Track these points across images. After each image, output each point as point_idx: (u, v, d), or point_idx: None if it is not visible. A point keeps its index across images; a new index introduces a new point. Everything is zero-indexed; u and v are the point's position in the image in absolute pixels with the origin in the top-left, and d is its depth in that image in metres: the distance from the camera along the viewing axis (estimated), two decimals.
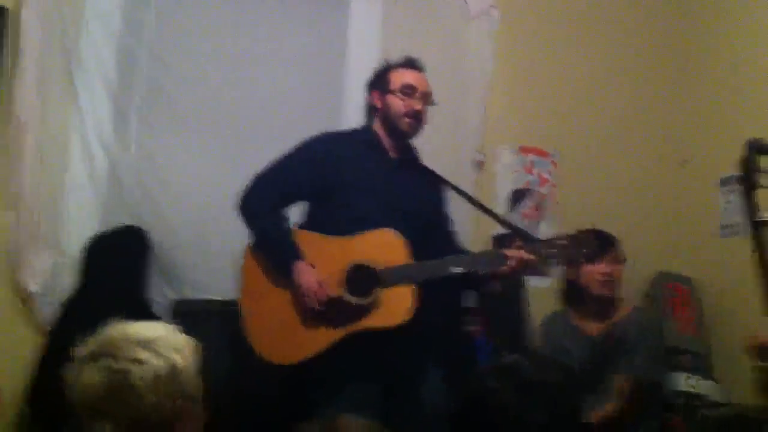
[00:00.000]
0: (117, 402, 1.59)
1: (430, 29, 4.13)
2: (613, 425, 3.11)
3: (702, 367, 3.92)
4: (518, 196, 4.24)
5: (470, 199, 3.16)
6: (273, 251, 2.80)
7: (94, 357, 1.63)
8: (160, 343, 1.66)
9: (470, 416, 1.51)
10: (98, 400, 1.60)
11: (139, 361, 1.61)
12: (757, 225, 2.29)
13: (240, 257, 2.88)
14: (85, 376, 1.62)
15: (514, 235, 2.93)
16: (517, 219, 4.00)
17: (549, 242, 2.83)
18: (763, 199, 2.30)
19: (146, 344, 1.64)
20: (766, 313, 2.26)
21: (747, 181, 2.29)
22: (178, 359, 1.65)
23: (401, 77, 2.93)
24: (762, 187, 2.28)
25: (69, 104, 3.58)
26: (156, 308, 3.55)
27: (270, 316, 2.77)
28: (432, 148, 3.46)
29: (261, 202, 2.83)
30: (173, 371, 1.63)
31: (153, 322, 1.76)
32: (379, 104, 2.95)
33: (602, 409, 3.13)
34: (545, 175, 4.30)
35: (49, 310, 3.37)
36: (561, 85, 4.37)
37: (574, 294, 3.39)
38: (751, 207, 2.30)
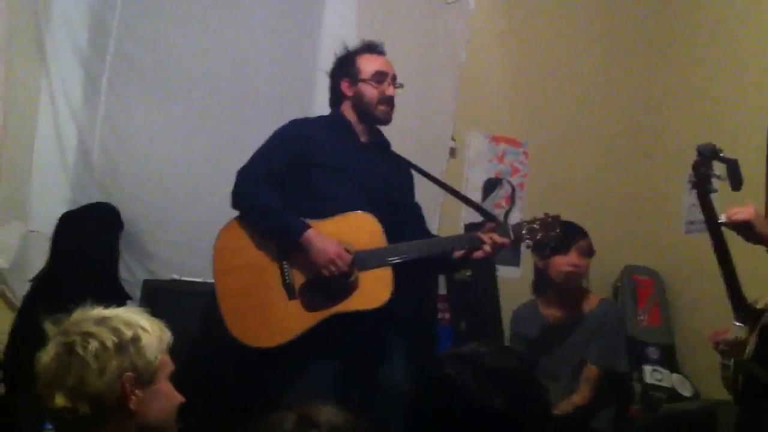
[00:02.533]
0: (64, 371, 1.62)
1: (404, 14, 4.13)
2: (576, 413, 3.17)
3: (668, 359, 3.98)
4: (491, 186, 4.27)
5: (439, 183, 3.18)
6: (280, 225, 2.74)
7: (54, 336, 1.68)
8: (114, 320, 1.69)
9: (427, 402, 1.53)
10: (49, 373, 1.64)
11: (89, 334, 1.65)
12: (713, 229, 2.32)
13: (213, 235, 2.82)
14: (43, 353, 1.67)
15: (486, 222, 2.96)
16: (490, 209, 4.03)
17: (519, 225, 2.87)
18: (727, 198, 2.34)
19: (100, 321, 1.68)
20: (736, 318, 2.31)
21: (700, 187, 2.33)
22: (129, 333, 1.67)
23: (371, 64, 2.93)
24: (715, 191, 2.32)
25: (38, 73, 3.53)
26: (125, 287, 3.53)
27: (248, 297, 2.74)
28: (403, 133, 3.47)
29: (255, 186, 2.80)
30: (121, 344, 1.65)
31: (121, 308, 1.78)
32: (350, 93, 2.95)
33: (569, 397, 3.19)
34: (516, 165, 4.33)
35: (19, 287, 3.34)
36: (533, 76, 4.39)
37: (542, 284, 3.43)
38: (707, 211, 2.33)
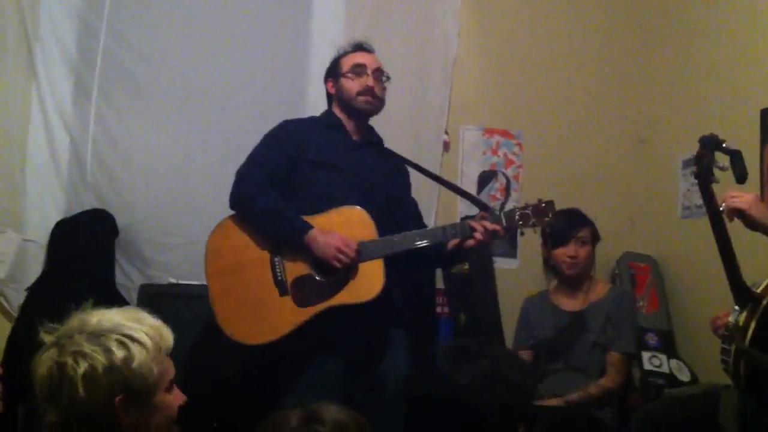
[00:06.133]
0: (56, 389, 1.61)
1: (392, 10, 4.12)
2: (604, 399, 3.22)
3: (666, 346, 3.99)
4: (486, 179, 4.27)
5: (432, 176, 3.20)
6: (282, 224, 2.75)
7: (48, 347, 1.66)
8: (110, 336, 1.65)
9: (424, 395, 1.54)
10: (44, 389, 1.63)
11: (80, 354, 1.61)
12: (715, 218, 2.32)
13: (205, 238, 2.84)
14: (38, 365, 1.65)
15: (479, 212, 2.97)
16: (486, 201, 4.03)
17: (512, 211, 2.87)
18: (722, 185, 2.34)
19: (96, 336, 1.64)
20: (736, 303, 2.30)
21: (702, 177, 2.32)
22: (121, 354, 1.63)
23: (350, 60, 2.98)
24: (716, 182, 2.31)
25: (28, 80, 3.53)
26: (122, 292, 3.53)
27: (240, 295, 2.76)
28: (397, 128, 3.47)
29: (254, 186, 2.80)
30: (112, 367, 1.62)
31: (122, 310, 1.75)
32: (333, 90, 3.00)
33: (596, 383, 3.22)
34: (511, 157, 4.33)
35: (15, 297, 3.33)
36: (525, 66, 4.38)
37: (550, 274, 3.47)
38: (708, 201, 2.33)
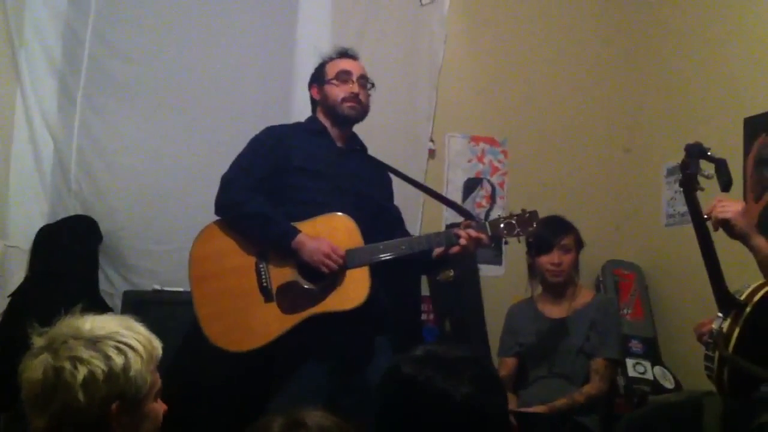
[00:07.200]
0: (50, 398, 1.58)
1: (379, 17, 4.12)
2: (589, 405, 3.22)
3: (651, 353, 4.01)
4: (471, 186, 4.28)
5: (415, 184, 3.19)
6: (271, 230, 2.74)
7: (40, 351, 1.62)
8: (107, 342, 1.63)
9: (394, 404, 1.54)
10: (35, 395, 1.60)
11: (79, 360, 1.59)
12: (700, 227, 2.33)
13: (189, 244, 2.82)
14: (28, 369, 1.61)
15: (464, 220, 2.96)
16: (470, 208, 4.03)
17: (497, 220, 2.87)
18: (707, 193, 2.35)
19: (92, 342, 1.62)
20: (719, 310, 2.31)
21: (687, 185, 2.33)
22: (120, 361, 1.62)
23: (335, 66, 2.98)
24: (701, 189, 2.32)
25: (12, 86, 3.51)
26: (106, 299, 3.50)
27: (225, 302, 2.74)
28: (382, 135, 3.46)
29: (240, 192, 2.79)
30: (111, 373, 1.60)
31: (112, 317, 1.73)
32: (318, 96, 2.99)
33: (579, 390, 3.23)
34: (496, 164, 4.34)
35: None
36: (511, 74, 4.40)
37: (535, 281, 3.48)
38: (693, 209, 2.33)
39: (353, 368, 2.81)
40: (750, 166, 3.52)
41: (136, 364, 1.64)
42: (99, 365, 1.59)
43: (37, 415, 1.60)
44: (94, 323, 1.67)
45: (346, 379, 2.79)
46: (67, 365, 1.58)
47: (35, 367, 1.60)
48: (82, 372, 1.58)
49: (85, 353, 1.60)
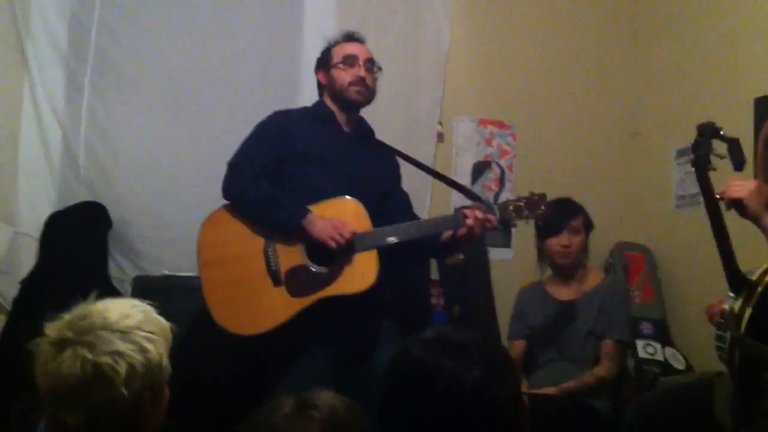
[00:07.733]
0: (88, 393, 1.55)
1: (384, 1, 4.10)
2: (599, 387, 3.23)
3: (660, 334, 4.00)
4: (480, 170, 4.26)
5: (423, 167, 3.18)
6: (280, 211, 2.74)
7: (71, 344, 1.57)
8: (139, 334, 1.62)
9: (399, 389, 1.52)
10: (69, 390, 1.56)
11: (118, 354, 1.57)
12: (712, 207, 2.31)
13: (197, 229, 2.82)
14: (60, 364, 1.56)
15: (473, 203, 2.96)
16: (479, 192, 4.02)
17: (505, 203, 2.87)
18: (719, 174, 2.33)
19: (126, 335, 1.60)
20: (730, 289, 2.30)
21: (699, 165, 2.31)
22: (154, 352, 1.62)
23: (341, 50, 2.96)
24: (713, 169, 2.30)
25: (20, 75, 3.52)
26: (116, 285, 3.52)
27: (233, 286, 2.75)
28: (390, 119, 3.45)
29: (247, 177, 2.80)
30: (148, 364, 1.60)
31: (130, 304, 1.71)
32: (324, 81, 2.98)
33: (589, 372, 3.23)
34: (505, 147, 4.32)
35: (8, 290, 3.32)
36: (518, 57, 4.38)
37: (544, 264, 3.48)
38: (705, 189, 2.32)
39: (360, 353, 2.81)
40: (760, 147, 3.49)
41: (163, 354, 1.65)
42: (138, 358, 1.59)
43: (68, 410, 1.57)
44: (118, 312, 1.65)
45: (352, 364, 2.79)
46: (108, 360, 1.56)
47: (66, 361, 1.56)
48: (123, 366, 1.56)
49: (122, 346, 1.58)
